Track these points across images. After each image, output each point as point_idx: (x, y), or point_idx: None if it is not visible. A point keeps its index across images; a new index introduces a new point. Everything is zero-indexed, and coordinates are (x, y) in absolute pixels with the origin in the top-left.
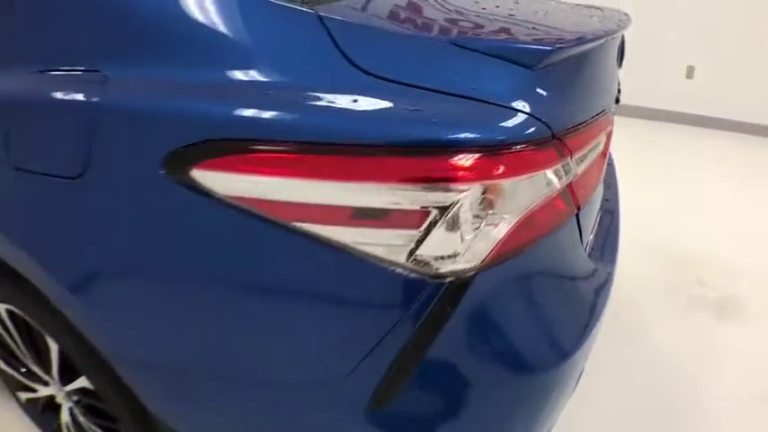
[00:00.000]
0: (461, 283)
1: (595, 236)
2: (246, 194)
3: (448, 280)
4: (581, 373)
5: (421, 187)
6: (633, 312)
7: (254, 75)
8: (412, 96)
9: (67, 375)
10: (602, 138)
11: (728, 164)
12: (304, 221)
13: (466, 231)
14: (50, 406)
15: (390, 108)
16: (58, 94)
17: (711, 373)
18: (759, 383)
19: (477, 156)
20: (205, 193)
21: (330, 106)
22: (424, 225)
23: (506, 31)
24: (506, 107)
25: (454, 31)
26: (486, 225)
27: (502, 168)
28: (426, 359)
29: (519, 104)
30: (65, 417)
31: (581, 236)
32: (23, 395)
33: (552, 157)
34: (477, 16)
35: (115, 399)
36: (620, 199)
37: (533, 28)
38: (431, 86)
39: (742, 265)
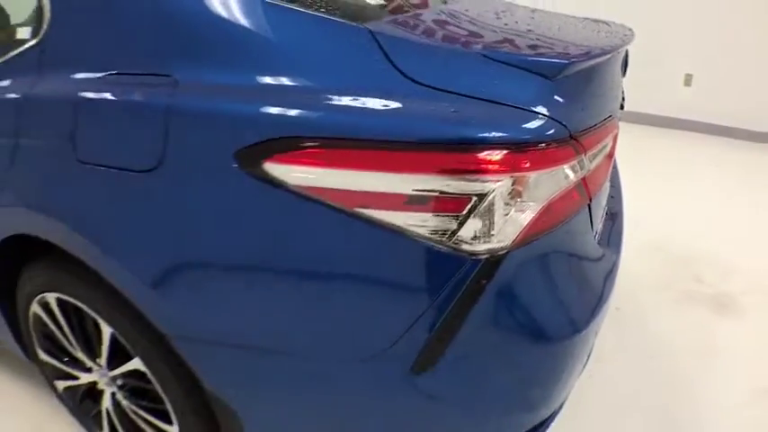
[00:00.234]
0: (495, 260)
1: (603, 226)
2: (314, 184)
3: (483, 257)
4: (590, 352)
5: (462, 178)
6: (633, 305)
7: (316, 81)
8: (451, 101)
9: (115, 360)
10: (610, 140)
11: (724, 168)
12: (364, 207)
13: (499, 216)
14: (90, 393)
15: (434, 111)
16: (133, 96)
17: (707, 363)
18: (753, 374)
19: (508, 152)
20: (276, 184)
21: (384, 109)
22: (465, 210)
23: (529, 45)
24: (531, 111)
25: (485, 45)
26: (516, 211)
27: (528, 163)
28: (463, 327)
29: (541, 109)
30: (106, 402)
31: (591, 224)
32: (62, 384)
33: (569, 155)
34: (502, 31)
35: (169, 379)
36: (623, 196)
37: (551, 42)
38: (467, 93)
39: (736, 263)
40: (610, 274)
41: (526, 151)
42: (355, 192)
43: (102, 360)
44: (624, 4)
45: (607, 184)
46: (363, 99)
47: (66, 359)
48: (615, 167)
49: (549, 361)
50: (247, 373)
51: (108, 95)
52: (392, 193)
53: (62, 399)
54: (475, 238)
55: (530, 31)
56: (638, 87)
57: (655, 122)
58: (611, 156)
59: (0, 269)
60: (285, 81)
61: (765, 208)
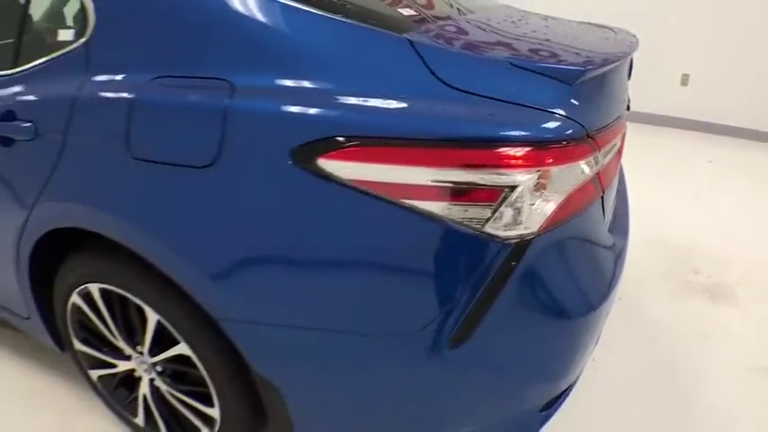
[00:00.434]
0: (523, 245)
1: (612, 217)
2: (363, 178)
3: (513, 242)
4: (599, 334)
5: (496, 172)
6: (635, 295)
7: (363, 85)
8: (484, 104)
9: (158, 347)
10: (619, 138)
11: (719, 165)
12: (408, 198)
13: (527, 206)
14: (126, 381)
15: (470, 113)
16: (190, 98)
17: (705, 346)
18: (747, 355)
19: (535, 150)
20: (329, 178)
21: (425, 111)
22: (498, 200)
23: (549, 53)
24: (553, 113)
25: (510, 53)
26: (541, 202)
27: (551, 159)
28: (494, 305)
29: (562, 111)
30: (144, 388)
31: (604, 214)
32: (97, 373)
33: (586, 151)
34: (523, 40)
35: (214, 361)
36: (628, 191)
37: (567, 50)
38: (496, 96)
39: (731, 256)
40: (619, 259)
41: (550, 149)
42: (400, 184)
43: (145, 347)
44: (621, 7)
45: (616, 179)
46: (406, 102)
47: (104, 348)
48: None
49: (566, 336)
50: (292, 351)
51: (163, 97)
52: (433, 185)
53: (95, 387)
54: (506, 225)
55: (547, 39)
56: (636, 87)
57: (652, 121)
58: (620, 153)
59: (40, 262)
60: (335, 85)
61: (759, 204)
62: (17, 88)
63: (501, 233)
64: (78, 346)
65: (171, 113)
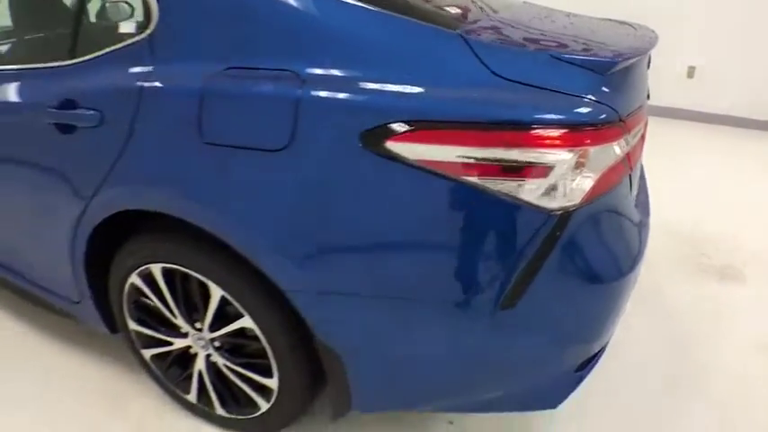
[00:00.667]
0: (566, 216)
1: (636, 195)
2: (429, 158)
3: (558, 213)
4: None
5: (543, 151)
6: (649, 276)
7: (423, 75)
8: (529, 92)
9: (217, 322)
10: (642, 124)
11: (725, 155)
12: (468, 176)
13: (569, 181)
14: (180, 359)
15: (518, 99)
16: (262, 88)
17: (715, 323)
18: (755, 332)
19: (576, 132)
20: (397, 159)
21: (481, 97)
22: (546, 176)
23: (582, 47)
24: (590, 100)
25: (549, 47)
26: (581, 178)
27: (589, 140)
28: (541, 270)
29: (598, 97)
30: (199, 364)
31: (631, 191)
32: (150, 352)
33: (618, 134)
34: (557, 35)
35: (277, 333)
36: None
37: (597, 44)
38: (540, 85)
39: (739, 241)
40: (644, 232)
41: (588, 131)
42: (460, 163)
43: (205, 323)
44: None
45: (641, 161)
46: (463, 90)
47: (160, 327)
48: None
49: (600, 299)
50: (356, 319)
51: (235, 87)
52: (489, 163)
53: (147, 367)
54: (553, 198)
55: (576, 34)
56: None
57: (659, 113)
58: (642, 138)
59: (95, 247)
60: (399, 75)
61: (764, 192)
62: (77, 78)
63: (549, 205)
64: (133, 326)
65: (244, 102)
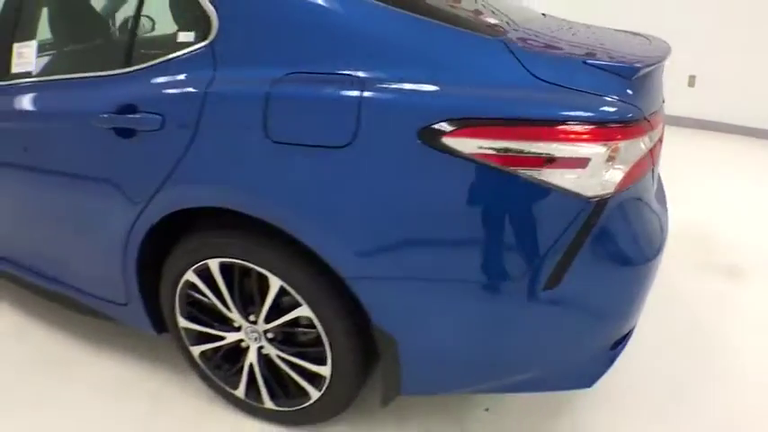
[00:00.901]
0: (602, 202)
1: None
2: (480, 152)
3: (595, 201)
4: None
5: (582, 145)
6: (659, 272)
7: (473, 77)
8: (567, 93)
9: (272, 314)
10: (662, 125)
11: (725, 160)
12: (515, 166)
13: (605, 171)
14: (229, 354)
15: (558, 99)
16: (325, 91)
17: (721, 314)
18: (757, 324)
19: (609, 128)
20: (452, 152)
21: (524, 97)
22: (585, 167)
23: (608, 55)
24: (619, 101)
25: (581, 54)
26: (613, 170)
27: (620, 136)
28: (580, 252)
29: (625, 99)
30: (251, 357)
31: (653, 184)
32: (199, 349)
33: (644, 131)
34: (584, 44)
35: (333, 320)
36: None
37: (622, 52)
38: (576, 87)
39: (743, 241)
40: (665, 221)
41: (619, 128)
42: (509, 156)
43: (261, 315)
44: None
45: (660, 158)
46: (509, 91)
47: (213, 322)
48: None
49: (630, 280)
50: (412, 302)
51: (300, 90)
52: (535, 156)
53: (195, 365)
54: (590, 187)
55: (601, 44)
56: None
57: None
58: (661, 138)
59: (147, 248)
60: (451, 78)
61: (764, 197)
62: (136, 84)
63: (586, 193)
64: (184, 323)
65: (310, 104)
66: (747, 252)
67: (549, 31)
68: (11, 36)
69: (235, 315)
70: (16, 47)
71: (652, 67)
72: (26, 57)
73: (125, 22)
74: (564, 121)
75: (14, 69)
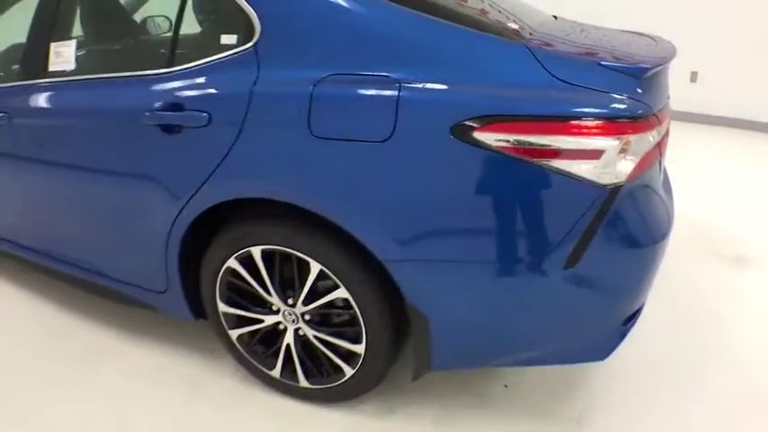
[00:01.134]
0: (616, 190)
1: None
2: (507, 145)
3: (610, 188)
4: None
5: (597, 138)
6: (667, 260)
7: (501, 78)
8: (584, 92)
9: (310, 297)
10: (668, 120)
11: (727, 153)
12: (539, 158)
13: (618, 162)
14: (266, 336)
15: (576, 98)
16: (365, 90)
17: (726, 300)
18: (762, 310)
19: (621, 123)
20: (482, 146)
21: (545, 96)
22: (600, 158)
23: (620, 56)
24: (630, 98)
25: (595, 56)
26: (625, 161)
27: (631, 130)
28: (595, 236)
29: (636, 96)
30: (288, 338)
31: (660, 174)
32: (238, 332)
33: (652, 125)
34: (596, 46)
35: (369, 300)
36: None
37: (632, 54)
38: (592, 87)
39: (747, 231)
40: (671, 208)
41: (630, 123)
42: (533, 149)
43: (300, 297)
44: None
45: (666, 151)
46: (532, 90)
47: (253, 306)
48: None
49: (640, 260)
50: (443, 282)
51: (340, 90)
52: (556, 148)
53: (232, 347)
54: (605, 175)
55: (611, 45)
56: None
57: None
58: (667, 132)
59: (192, 237)
60: (480, 78)
61: (764, 188)
62: (181, 84)
63: (602, 181)
64: (223, 308)
65: (350, 102)
66: (752, 242)
67: (564, 34)
68: (48, 36)
69: (274, 299)
70: (53, 46)
71: (659, 68)
72: (64, 56)
73: (167, 23)
74: (581, 117)
75: (52, 68)
